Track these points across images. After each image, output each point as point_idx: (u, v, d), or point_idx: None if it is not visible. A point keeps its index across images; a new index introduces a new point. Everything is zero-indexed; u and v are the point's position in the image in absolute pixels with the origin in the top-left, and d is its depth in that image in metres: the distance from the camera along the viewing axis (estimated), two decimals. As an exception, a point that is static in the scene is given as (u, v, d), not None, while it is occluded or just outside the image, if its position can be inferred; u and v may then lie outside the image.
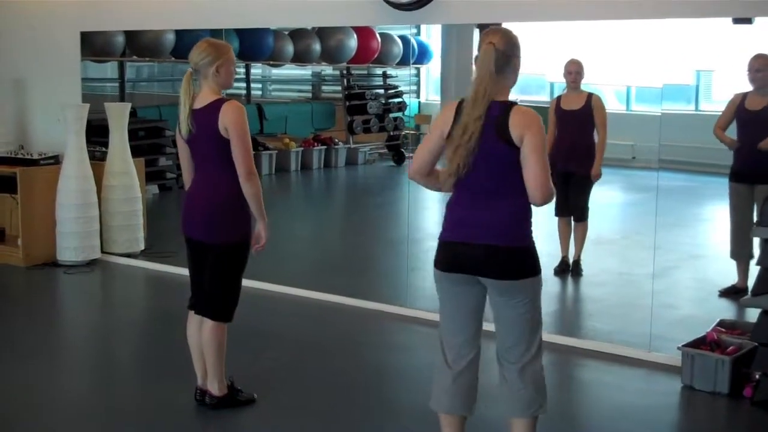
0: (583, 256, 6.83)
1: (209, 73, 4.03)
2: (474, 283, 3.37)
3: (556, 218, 6.84)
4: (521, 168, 3.23)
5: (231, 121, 3.97)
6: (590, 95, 6.68)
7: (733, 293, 5.97)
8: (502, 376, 3.44)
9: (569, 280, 6.80)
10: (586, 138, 6.64)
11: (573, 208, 6.76)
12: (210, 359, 4.20)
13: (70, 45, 7.46)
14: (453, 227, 3.38)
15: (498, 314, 3.40)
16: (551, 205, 6.83)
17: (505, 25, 7.87)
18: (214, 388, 4.24)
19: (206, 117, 4.00)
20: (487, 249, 3.27)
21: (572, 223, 6.81)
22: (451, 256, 3.37)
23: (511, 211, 3.29)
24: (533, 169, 3.21)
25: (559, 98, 6.78)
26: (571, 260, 6.82)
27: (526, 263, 3.32)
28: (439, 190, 3.50)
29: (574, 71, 6.66)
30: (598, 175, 6.62)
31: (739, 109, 5.98)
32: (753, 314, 4.76)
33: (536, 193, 3.23)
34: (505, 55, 3.29)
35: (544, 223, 7.90)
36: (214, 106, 3.99)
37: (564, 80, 6.78)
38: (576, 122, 6.64)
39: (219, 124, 3.97)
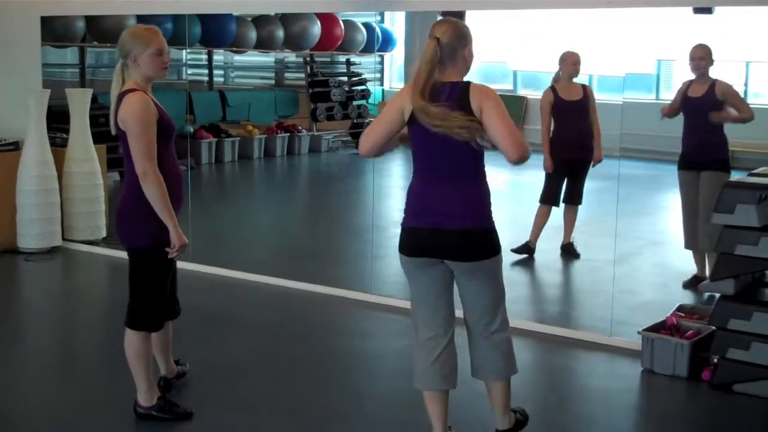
0: (544, 244, 7.00)
1: (128, 63, 3.80)
2: (439, 264, 3.47)
3: (539, 204, 7.06)
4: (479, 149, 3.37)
5: (126, 114, 3.70)
6: (584, 86, 6.94)
7: (696, 283, 6.05)
8: (474, 347, 3.61)
9: (545, 264, 6.90)
10: (587, 127, 6.87)
11: (572, 194, 6.99)
12: (131, 369, 3.95)
13: (29, 30, 7.34)
14: (419, 213, 3.46)
15: (463, 292, 3.55)
16: (537, 189, 6.97)
17: (468, 13, 7.92)
18: (141, 397, 3.98)
19: (116, 109, 3.77)
20: (455, 234, 3.38)
21: (551, 212, 7.03)
22: (418, 242, 3.46)
23: (478, 193, 3.42)
24: (501, 127, 3.27)
25: (554, 88, 6.88)
26: (562, 243, 7.07)
27: (489, 244, 3.46)
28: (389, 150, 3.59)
29: (570, 62, 6.83)
30: (600, 160, 6.89)
31: (683, 97, 6.09)
32: (712, 299, 4.85)
33: (510, 148, 3.26)
34: (450, 47, 3.38)
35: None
36: (120, 99, 3.76)
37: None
38: (576, 112, 6.83)
39: (119, 118, 3.74)
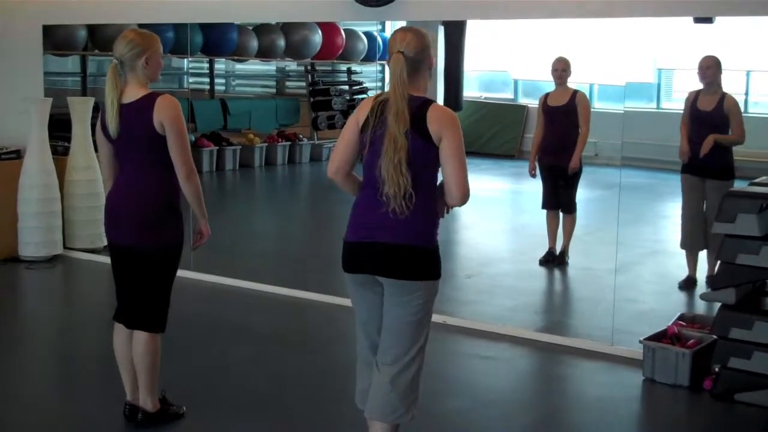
0: (541, 252, 7.02)
1: (137, 65, 3.75)
2: (376, 284, 3.27)
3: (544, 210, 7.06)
4: (432, 166, 3.18)
5: (168, 117, 3.70)
6: (575, 92, 6.87)
7: (690, 285, 6.15)
8: (374, 376, 3.33)
9: (545, 272, 6.99)
10: (571, 133, 6.81)
11: (561, 202, 6.94)
12: (145, 374, 3.90)
13: (31, 38, 7.36)
14: (356, 228, 3.30)
15: (386, 313, 3.30)
16: (539, 197, 6.97)
17: (469, 22, 7.92)
18: (148, 404, 3.95)
19: (138, 113, 3.72)
20: (386, 247, 3.19)
21: (560, 215, 7.00)
22: (354, 257, 3.29)
23: (419, 210, 3.18)
24: (452, 168, 3.15)
25: (547, 95, 6.96)
26: (558, 251, 7.02)
27: (425, 264, 3.23)
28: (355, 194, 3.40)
29: (560, 68, 6.84)
30: (575, 168, 6.77)
31: (691, 107, 6.11)
32: (713, 308, 4.85)
33: (456, 194, 3.17)
34: (415, 60, 3.20)
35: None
36: (147, 101, 3.72)
37: (551, 77, 6.95)
38: (561, 118, 6.83)
39: (154, 120, 3.70)
